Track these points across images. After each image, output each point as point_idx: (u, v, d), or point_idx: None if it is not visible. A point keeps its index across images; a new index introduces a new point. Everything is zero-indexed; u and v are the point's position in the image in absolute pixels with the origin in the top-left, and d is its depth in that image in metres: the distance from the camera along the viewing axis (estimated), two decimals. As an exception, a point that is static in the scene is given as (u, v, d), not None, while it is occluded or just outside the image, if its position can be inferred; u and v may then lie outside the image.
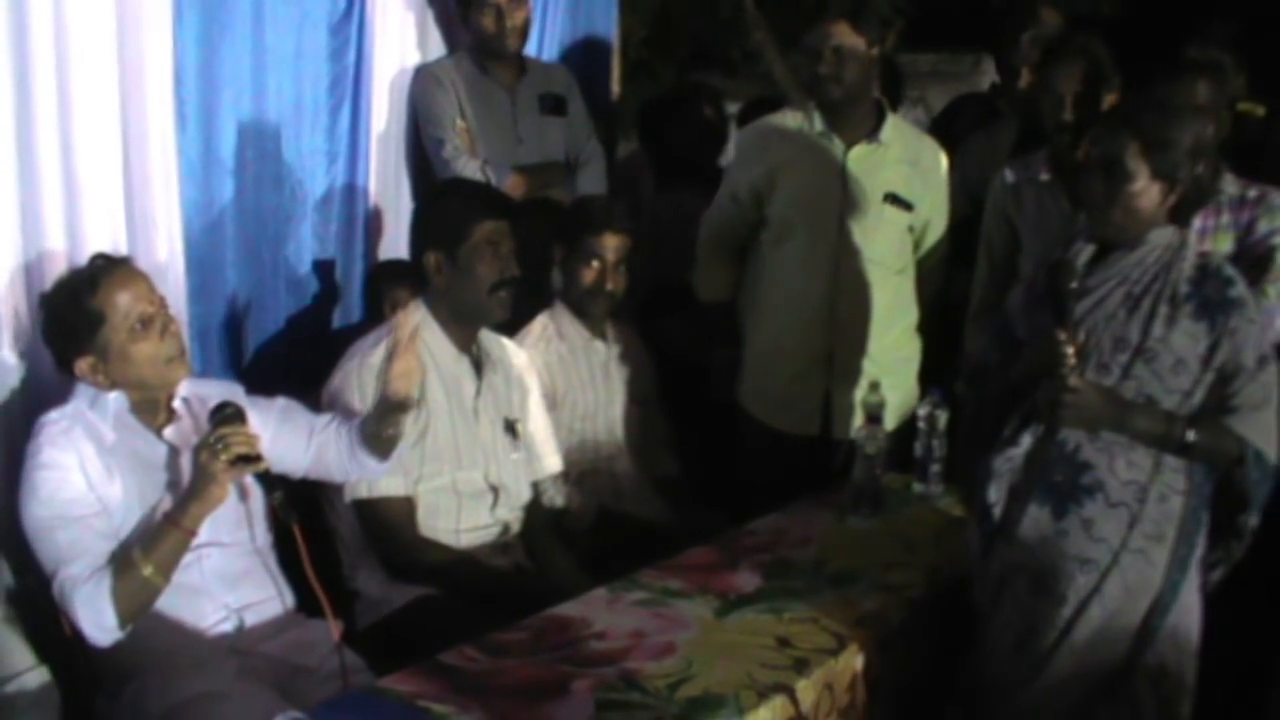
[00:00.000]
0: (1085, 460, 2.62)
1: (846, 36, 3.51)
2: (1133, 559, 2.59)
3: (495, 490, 3.21)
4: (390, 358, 2.85)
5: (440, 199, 3.35)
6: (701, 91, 4.99)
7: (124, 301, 2.64)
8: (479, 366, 3.25)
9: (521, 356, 3.45)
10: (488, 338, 3.32)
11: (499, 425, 3.25)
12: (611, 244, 3.60)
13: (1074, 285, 2.60)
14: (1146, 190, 2.59)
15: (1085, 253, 2.69)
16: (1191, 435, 2.56)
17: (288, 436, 2.89)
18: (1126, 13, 5.76)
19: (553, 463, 3.45)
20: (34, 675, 2.57)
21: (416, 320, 2.94)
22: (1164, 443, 2.58)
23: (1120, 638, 2.61)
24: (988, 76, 7.71)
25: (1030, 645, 2.65)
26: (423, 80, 3.99)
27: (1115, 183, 2.59)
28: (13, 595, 2.63)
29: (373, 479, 3.01)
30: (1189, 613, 2.64)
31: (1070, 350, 2.57)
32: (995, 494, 2.70)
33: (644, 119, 4.84)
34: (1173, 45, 3.48)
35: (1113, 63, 3.41)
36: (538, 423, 3.42)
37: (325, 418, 2.96)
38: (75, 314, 2.63)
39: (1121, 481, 2.60)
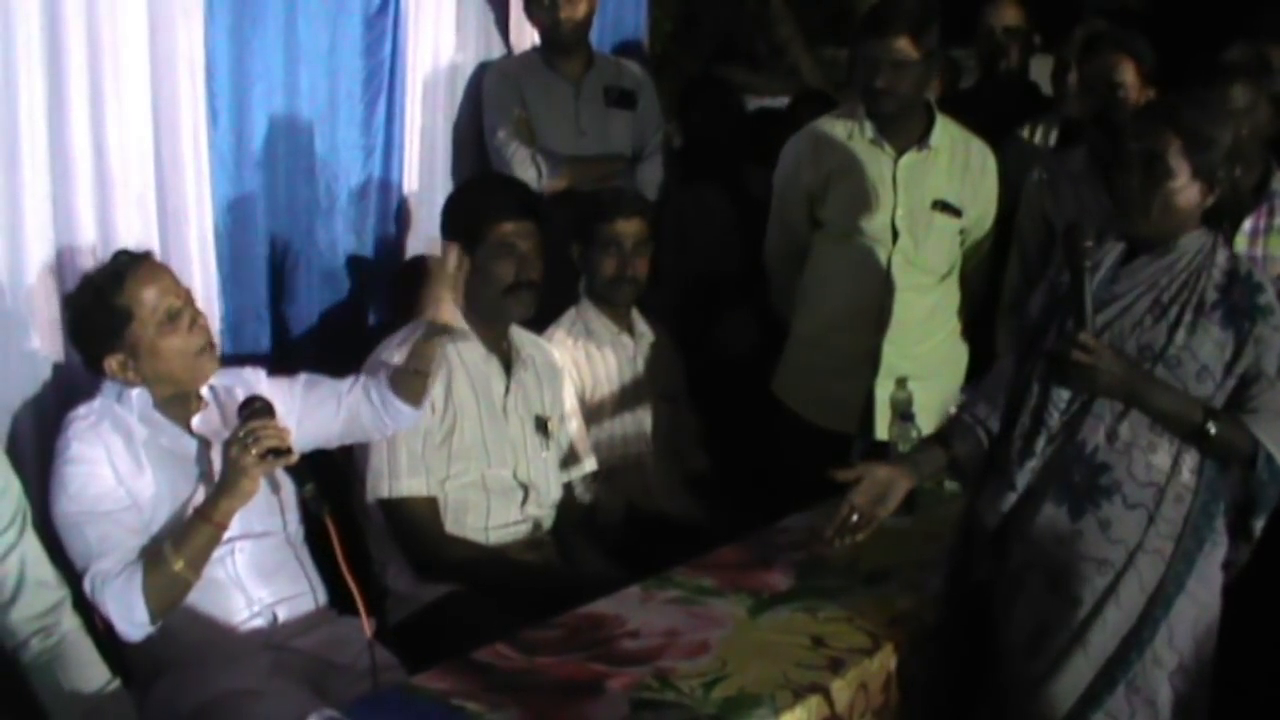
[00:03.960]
0: (1103, 462, 2.59)
1: (907, 51, 3.47)
2: (1149, 559, 2.57)
3: (525, 488, 3.19)
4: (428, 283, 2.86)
5: (464, 193, 3.33)
6: (716, 86, 4.96)
7: (150, 296, 2.62)
8: (508, 365, 3.23)
9: (556, 355, 3.43)
10: (520, 336, 3.31)
11: (529, 423, 3.23)
12: (627, 229, 3.57)
13: (1089, 244, 2.57)
14: (1186, 189, 2.55)
15: (1114, 252, 2.67)
16: (1212, 426, 2.52)
17: (315, 409, 2.90)
18: (1154, 8, 5.71)
19: (587, 464, 3.44)
20: (112, 687, 2.53)
21: (454, 261, 2.91)
22: (1183, 426, 2.55)
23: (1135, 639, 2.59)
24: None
25: (1043, 645, 2.63)
26: (488, 73, 4.03)
27: (1155, 180, 2.55)
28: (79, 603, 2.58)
29: (394, 479, 3.00)
30: (1205, 610, 2.60)
31: (1088, 309, 2.55)
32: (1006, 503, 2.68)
33: None
34: (1202, 40, 3.46)
35: (1153, 57, 3.39)
36: (572, 423, 3.41)
37: (349, 380, 2.95)
38: (102, 312, 2.61)
39: (1140, 484, 2.57)
